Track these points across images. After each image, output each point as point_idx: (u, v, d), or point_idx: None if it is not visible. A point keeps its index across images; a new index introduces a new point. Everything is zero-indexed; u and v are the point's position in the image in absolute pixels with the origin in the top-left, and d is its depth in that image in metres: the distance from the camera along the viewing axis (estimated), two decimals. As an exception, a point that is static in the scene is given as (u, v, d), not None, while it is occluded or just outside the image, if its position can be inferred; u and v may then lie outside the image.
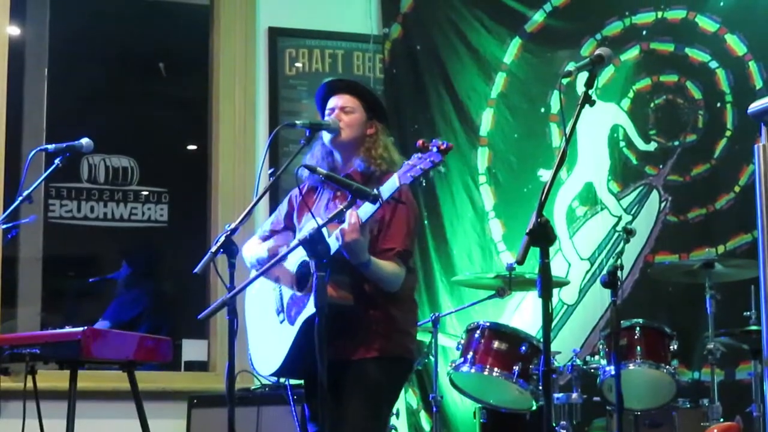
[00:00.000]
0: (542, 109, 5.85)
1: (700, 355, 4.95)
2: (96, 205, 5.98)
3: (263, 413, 4.83)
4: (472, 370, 4.52)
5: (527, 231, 2.72)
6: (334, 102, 3.82)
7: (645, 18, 5.77)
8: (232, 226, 3.39)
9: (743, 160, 5.41)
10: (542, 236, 2.72)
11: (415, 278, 3.90)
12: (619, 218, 5.65)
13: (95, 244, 6.43)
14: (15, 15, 5.68)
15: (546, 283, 2.74)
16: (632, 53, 5.76)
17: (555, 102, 5.80)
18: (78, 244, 6.48)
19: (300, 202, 3.86)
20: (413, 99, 5.95)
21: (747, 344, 4.69)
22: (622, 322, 4.23)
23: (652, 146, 5.71)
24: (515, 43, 5.95)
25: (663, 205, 5.62)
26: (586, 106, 2.89)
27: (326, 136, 3.78)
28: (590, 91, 2.91)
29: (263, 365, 3.82)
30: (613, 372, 3.92)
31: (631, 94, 5.75)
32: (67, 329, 3.90)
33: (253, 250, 3.87)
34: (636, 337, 4.56)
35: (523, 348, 4.47)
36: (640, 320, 4.61)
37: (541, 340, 2.82)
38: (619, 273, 3.85)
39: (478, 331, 4.58)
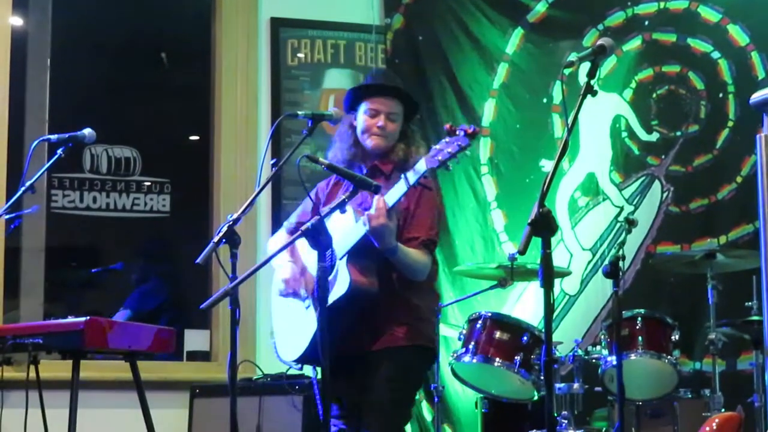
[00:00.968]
0: (544, 100, 5.84)
1: (702, 346, 4.96)
2: (98, 196, 5.98)
3: (265, 403, 4.84)
4: (474, 360, 4.52)
5: (529, 221, 2.72)
6: (379, 105, 3.84)
7: (647, 8, 5.75)
8: (234, 216, 3.40)
9: (745, 150, 5.40)
10: (544, 227, 2.73)
11: (435, 268, 3.92)
12: (621, 209, 5.64)
13: (98, 234, 6.42)
14: (17, 6, 5.69)
15: (548, 274, 2.74)
16: (634, 43, 5.74)
17: (557, 92, 5.78)
18: (80, 235, 6.48)
19: (327, 194, 3.89)
20: (415, 89, 5.90)
21: (748, 334, 4.69)
22: (623, 312, 4.21)
23: (654, 137, 5.69)
24: (517, 34, 5.93)
25: (665, 195, 5.61)
26: (588, 96, 2.89)
27: (369, 142, 3.81)
28: (592, 82, 2.91)
29: (287, 351, 3.84)
30: (614, 362, 3.91)
31: (633, 85, 5.73)
32: (70, 319, 3.90)
33: (279, 242, 3.89)
34: (637, 327, 4.56)
35: (525, 338, 4.47)
36: (642, 310, 4.61)
37: (543, 330, 2.82)
38: (620, 263, 3.83)
39: (479, 322, 4.58)
